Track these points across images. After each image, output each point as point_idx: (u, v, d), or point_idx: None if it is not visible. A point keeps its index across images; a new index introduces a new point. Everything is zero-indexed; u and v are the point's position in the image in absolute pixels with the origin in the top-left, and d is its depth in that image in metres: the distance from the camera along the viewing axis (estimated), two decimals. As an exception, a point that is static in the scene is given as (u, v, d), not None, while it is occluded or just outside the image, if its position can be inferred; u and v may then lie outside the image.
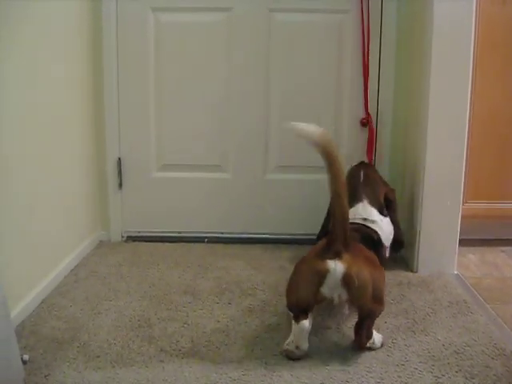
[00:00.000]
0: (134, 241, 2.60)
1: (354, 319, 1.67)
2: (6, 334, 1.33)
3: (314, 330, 1.66)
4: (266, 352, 1.62)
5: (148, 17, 2.48)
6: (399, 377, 1.50)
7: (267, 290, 2.05)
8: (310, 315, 1.57)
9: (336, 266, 1.52)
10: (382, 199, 2.06)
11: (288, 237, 2.60)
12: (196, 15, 2.50)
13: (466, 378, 1.49)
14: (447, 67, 2.08)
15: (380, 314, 1.65)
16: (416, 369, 1.53)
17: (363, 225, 1.92)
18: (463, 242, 2.26)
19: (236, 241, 2.58)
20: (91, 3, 2.40)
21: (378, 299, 1.59)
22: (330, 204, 1.57)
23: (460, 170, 2.16)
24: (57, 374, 1.49)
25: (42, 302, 1.92)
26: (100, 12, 2.43)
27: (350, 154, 2.55)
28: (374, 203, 2.02)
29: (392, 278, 2.15)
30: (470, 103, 2.14)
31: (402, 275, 2.19)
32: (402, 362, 1.57)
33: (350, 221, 1.73)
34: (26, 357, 1.46)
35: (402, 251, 2.19)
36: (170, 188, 2.61)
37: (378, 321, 1.78)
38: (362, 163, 2.28)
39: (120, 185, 2.59)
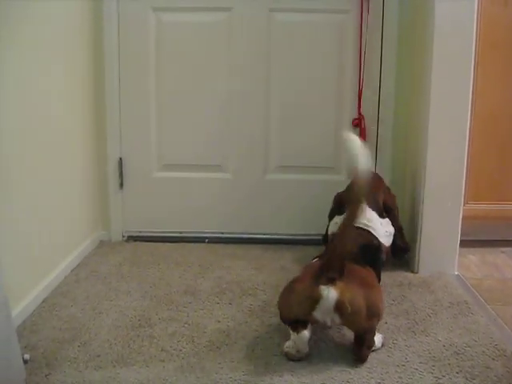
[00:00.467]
0: (135, 241, 2.60)
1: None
2: (7, 333, 1.33)
3: (314, 330, 1.66)
4: (266, 352, 1.62)
5: (149, 16, 2.48)
6: (400, 377, 1.50)
7: (268, 291, 2.05)
8: (308, 326, 1.57)
9: (329, 293, 1.50)
10: (381, 203, 2.06)
11: (289, 237, 2.59)
12: (196, 15, 2.50)
13: (467, 379, 1.49)
14: (448, 68, 2.08)
15: (380, 320, 1.64)
16: (416, 369, 1.53)
17: (364, 229, 1.91)
18: (464, 243, 2.26)
19: (237, 241, 2.58)
20: (92, 3, 2.40)
21: (375, 316, 1.57)
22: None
23: (461, 171, 2.16)
24: (57, 374, 1.49)
25: (42, 302, 1.92)
26: (101, 12, 2.43)
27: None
28: (373, 207, 2.01)
29: (393, 279, 2.15)
30: (471, 104, 2.14)
31: (403, 276, 2.19)
32: (403, 363, 1.57)
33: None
34: (26, 356, 1.46)
35: (405, 257, 2.18)
36: (171, 188, 2.61)
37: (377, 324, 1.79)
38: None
39: (121, 185, 2.59)
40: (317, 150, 2.58)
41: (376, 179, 2.17)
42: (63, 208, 2.16)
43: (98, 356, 1.59)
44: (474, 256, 2.45)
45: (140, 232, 2.64)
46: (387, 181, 2.30)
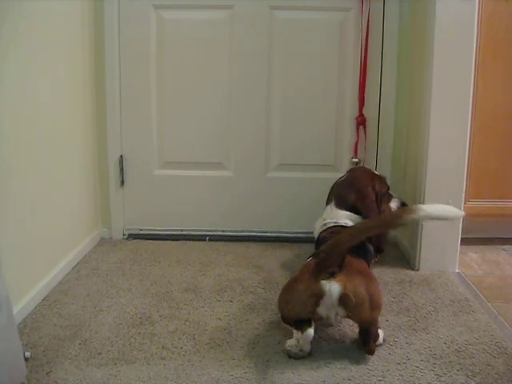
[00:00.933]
0: (136, 238, 2.60)
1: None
2: (9, 331, 1.33)
3: (315, 329, 1.66)
4: (267, 350, 1.62)
5: (150, 14, 2.48)
6: (401, 375, 1.50)
7: (269, 288, 2.05)
8: (312, 324, 1.56)
9: (331, 287, 1.50)
10: (351, 201, 1.99)
11: (290, 235, 2.60)
12: (198, 13, 2.50)
13: (468, 377, 1.49)
14: (449, 66, 2.08)
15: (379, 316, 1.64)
16: (417, 367, 1.53)
17: (340, 226, 1.90)
18: (465, 241, 2.26)
19: (237, 239, 2.59)
20: (93, 0, 2.40)
21: (377, 306, 1.57)
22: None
23: (462, 168, 2.15)
24: (58, 371, 1.49)
25: (43, 300, 1.92)
26: (102, 9, 2.43)
27: (350, 151, 2.56)
28: (342, 205, 1.99)
29: (393, 276, 2.15)
30: (472, 103, 2.14)
31: (404, 273, 2.19)
32: (404, 360, 1.57)
33: (330, 225, 1.89)
34: (28, 354, 1.47)
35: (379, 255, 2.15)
36: (172, 186, 2.61)
37: (378, 319, 1.79)
38: (354, 168, 2.26)
39: (122, 182, 2.59)
40: (318, 148, 2.58)
41: (354, 175, 2.09)
42: (64, 206, 2.17)
43: (99, 353, 1.59)
44: (474, 254, 2.45)
45: (141, 229, 2.64)
46: (388, 180, 2.29)
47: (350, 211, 1.96)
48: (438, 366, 1.54)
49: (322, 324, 1.67)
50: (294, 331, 1.57)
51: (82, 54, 2.34)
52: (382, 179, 2.07)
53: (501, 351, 1.61)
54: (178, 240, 2.57)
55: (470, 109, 2.12)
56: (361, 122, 2.51)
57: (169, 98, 2.55)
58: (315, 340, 1.63)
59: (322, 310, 1.53)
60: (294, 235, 2.59)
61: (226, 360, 1.57)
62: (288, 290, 1.62)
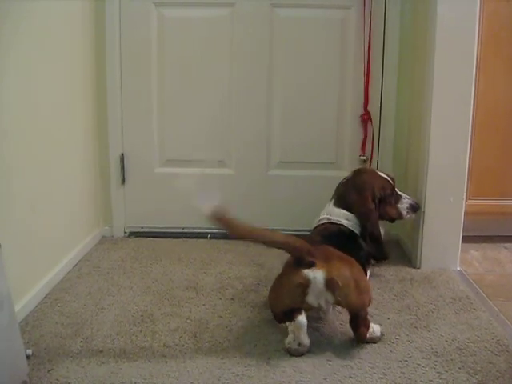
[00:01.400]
0: (137, 236, 2.61)
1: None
2: (10, 329, 1.33)
3: (316, 326, 1.67)
4: (268, 347, 1.62)
5: (151, 12, 2.48)
6: (402, 373, 1.50)
7: (270, 286, 2.04)
8: (303, 312, 1.58)
9: (315, 274, 1.54)
10: (348, 202, 2.01)
11: (291, 233, 2.57)
12: (198, 11, 2.49)
13: (469, 374, 1.49)
14: (451, 63, 2.08)
15: (370, 302, 1.66)
16: (419, 365, 1.53)
17: (330, 222, 1.97)
18: (466, 239, 2.26)
19: (239, 237, 2.58)
20: (94, 0, 2.40)
21: (364, 290, 1.61)
22: None
23: (463, 166, 2.15)
24: (60, 369, 1.49)
25: (45, 297, 1.92)
26: (103, 7, 2.42)
27: (352, 149, 2.56)
28: (340, 204, 2.02)
29: (395, 274, 2.15)
30: (474, 100, 2.14)
31: (405, 271, 2.19)
32: (405, 358, 1.57)
33: (324, 221, 1.97)
34: (29, 351, 1.46)
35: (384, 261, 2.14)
36: (173, 183, 2.60)
37: (380, 317, 1.80)
38: (359, 169, 2.25)
39: (123, 180, 2.59)
40: (319, 146, 2.58)
41: (358, 177, 2.09)
42: (65, 204, 2.17)
43: (101, 351, 1.59)
44: (476, 251, 2.45)
45: (142, 227, 2.64)
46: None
47: (348, 211, 1.99)
48: (439, 363, 1.54)
49: (315, 312, 1.68)
50: (288, 324, 1.59)
51: (82, 53, 2.34)
52: (385, 181, 2.06)
53: (502, 349, 1.61)
54: (179, 238, 2.57)
55: (472, 107, 2.12)
56: (366, 119, 2.51)
57: (170, 95, 2.55)
58: (316, 338, 1.64)
59: (311, 299, 1.56)
60: (296, 233, 2.56)
61: (227, 358, 1.57)
62: (275, 286, 1.67)
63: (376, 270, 2.13)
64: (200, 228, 2.62)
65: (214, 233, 2.60)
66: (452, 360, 1.56)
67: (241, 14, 2.48)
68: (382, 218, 2.05)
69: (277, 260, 2.30)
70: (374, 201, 2.01)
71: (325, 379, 1.47)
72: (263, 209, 2.62)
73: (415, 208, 2.10)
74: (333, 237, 1.89)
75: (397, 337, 1.68)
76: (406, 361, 1.55)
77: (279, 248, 1.63)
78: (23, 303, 1.78)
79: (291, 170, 2.61)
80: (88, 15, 2.37)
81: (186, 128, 2.57)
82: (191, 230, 2.62)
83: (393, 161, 2.55)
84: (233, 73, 2.53)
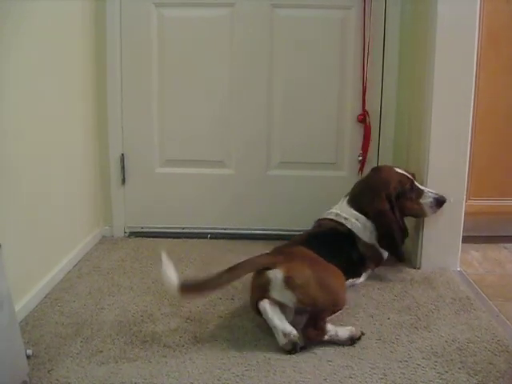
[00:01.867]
0: (137, 236, 2.61)
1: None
2: (10, 329, 1.33)
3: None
4: (269, 347, 1.62)
5: (151, 12, 2.48)
6: (403, 373, 1.50)
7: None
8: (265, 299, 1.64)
9: (276, 274, 1.64)
10: (361, 203, 2.05)
11: (291, 233, 2.58)
12: (199, 11, 2.49)
13: (469, 375, 1.49)
14: (451, 64, 2.08)
15: (339, 305, 1.67)
16: (419, 365, 1.53)
17: (331, 219, 2.05)
18: (466, 239, 2.26)
19: (239, 236, 2.59)
20: (95, 0, 2.40)
21: (328, 291, 1.63)
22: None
23: (463, 166, 2.15)
24: (60, 369, 1.49)
25: (45, 297, 1.92)
26: (104, 8, 2.43)
27: (352, 149, 2.56)
28: (353, 203, 2.06)
29: (395, 275, 2.15)
30: (474, 101, 2.14)
31: (405, 272, 2.19)
32: (406, 359, 1.57)
33: (330, 216, 2.06)
34: (29, 351, 1.46)
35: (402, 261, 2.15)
36: (173, 184, 2.61)
37: (380, 317, 1.79)
38: (378, 167, 2.25)
39: (123, 180, 2.59)
40: (319, 146, 2.58)
41: (372, 176, 2.12)
42: (65, 204, 2.17)
43: (101, 351, 1.59)
44: (476, 252, 2.45)
45: (142, 227, 2.64)
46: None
47: (360, 211, 2.03)
48: (439, 364, 1.54)
49: (289, 311, 1.68)
50: (264, 320, 1.65)
51: (83, 53, 2.34)
52: (403, 176, 2.05)
53: (502, 349, 1.61)
54: (179, 238, 2.57)
55: (472, 107, 2.12)
56: (361, 119, 2.51)
57: (170, 95, 2.55)
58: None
59: (274, 295, 1.63)
60: (296, 233, 2.57)
61: (227, 358, 1.56)
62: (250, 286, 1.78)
63: (376, 270, 2.12)
64: (200, 228, 2.62)
65: (214, 233, 2.61)
66: (452, 360, 1.56)
67: (241, 14, 2.48)
68: (403, 214, 2.05)
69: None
70: (389, 199, 1.99)
71: (325, 379, 1.47)
72: (263, 209, 2.62)
73: (440, 202, 2.05)
74: (319, 236, 1.97)
75: (397, 337, 1.68)
76: (406, 361, 1.55)
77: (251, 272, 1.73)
78: (23, 303, 1.78)
79: (291, 170, 2.61)
80: (88, 15, 2.37)
81: (186, 128, 2.57)
82: (191, 230, 2.62)
83: (393, 161, 2.55)
84: (233, 73, 2.53)
